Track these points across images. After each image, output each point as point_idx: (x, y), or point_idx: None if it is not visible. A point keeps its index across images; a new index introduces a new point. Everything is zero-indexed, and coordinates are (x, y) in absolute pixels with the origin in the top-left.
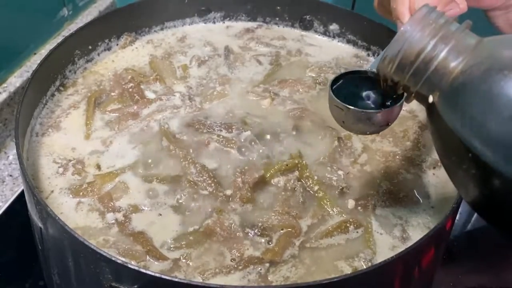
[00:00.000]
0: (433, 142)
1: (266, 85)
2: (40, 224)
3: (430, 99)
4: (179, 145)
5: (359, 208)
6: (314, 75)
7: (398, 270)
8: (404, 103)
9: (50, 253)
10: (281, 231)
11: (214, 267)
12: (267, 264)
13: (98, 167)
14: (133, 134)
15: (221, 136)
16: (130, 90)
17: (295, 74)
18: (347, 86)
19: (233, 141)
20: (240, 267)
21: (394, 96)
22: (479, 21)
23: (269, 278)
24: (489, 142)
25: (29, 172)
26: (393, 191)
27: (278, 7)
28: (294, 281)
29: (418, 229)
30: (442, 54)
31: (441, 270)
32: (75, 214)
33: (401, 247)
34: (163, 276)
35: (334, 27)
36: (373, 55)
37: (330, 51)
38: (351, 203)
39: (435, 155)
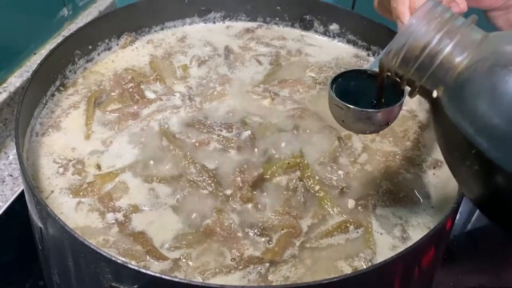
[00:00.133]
0: (436, 138)
1: (266, 85)
2: (40, 224)
3: (435, 94)
4: (179, 145)
5: (359, 208)
6: (314, 75)
7: (398, 270)
8: (405, 102)
9: (50, 253)
10: (281, 231)
11: (214, 267)
12: (267, 264)
13: (98, 167)
14: (133, 134)
15: (221, 136)
16: (130, 90)
17: (295, 74)
18: (347, 85)
19: (233, 141)
20: (240, 267)
21: (395, 95)
22: (479, 22)
23: (269, 278)
24: (493, 138)
25: (29, 172)
26: (393, 191)
27: (278, 7)
28: (294, 281)
29: (418, 229)
30: (447, 49)
31: (441, 270)
32: (75, 214)
33: (401, 247)
34: (163, 276)
35: (334, 27)
36: (373, 55)
37: (330, 51)
38: (351, 203)
39: (435, 155)
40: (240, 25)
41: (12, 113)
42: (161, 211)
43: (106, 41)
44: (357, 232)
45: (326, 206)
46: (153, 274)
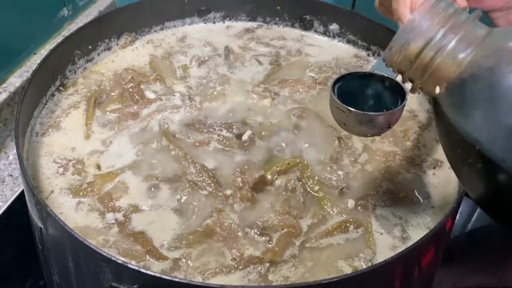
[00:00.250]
0: (438, 135)
1: (266, 85)
2: (40, 224)
3: (437, 90)
4: (179, 145)
5: (359, 208)
6: (314, 75)
7: (398, 270)
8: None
9: (50, 253)
10: (281, 231)
11: (214, 267)
12: (267, 264)
13: (98, 167)
14: (133, 134)
15: (221, 136)
16: (130, 90)
17: (295, 74)
18: (348, 87)
19: (233, 141)
20: (240, 267)
21: (396, 97)
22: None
23: (269, 278)
24: (497, 136)
25: (29, 172)
26: (393, 191)
27: (278, 7)
28: (294, 281)
29: (418, 229)
30: (451, 45)
31: (441, 270)
32: (75, 214)
33: (401, 247)
34: (163, 276)
35: (334, 27)
36: (373, 55)
37: (330, 51)
38: (351, 203)
39: (435, 155)
40: (240, 25)
41: (12, 113)
42: (161, 211)
43: (106, 41)
44: (357, 232)
45: (325, 206)
46: (153, 274)
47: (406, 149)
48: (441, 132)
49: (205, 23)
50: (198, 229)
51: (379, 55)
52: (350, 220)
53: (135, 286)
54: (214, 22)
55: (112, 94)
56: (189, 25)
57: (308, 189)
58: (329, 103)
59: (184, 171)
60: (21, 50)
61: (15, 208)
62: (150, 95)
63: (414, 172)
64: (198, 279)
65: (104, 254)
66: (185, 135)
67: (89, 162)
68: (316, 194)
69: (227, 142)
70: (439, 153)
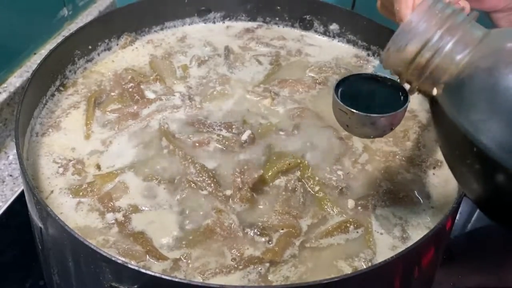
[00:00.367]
0: (436, 136)
1: (266, 85)
2: (40, 224)
3: (435, 91)
4: (179, 145)
5: (359, 208)
6: (314, 75)
7: (398, 270)
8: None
9: (50, 253)
10: (281, 231)
11: (214, 267)
12: (267, 264)
13: (98, 167)
14: (133, 134)
15: (221, 136)
16: (130, 90)
17: (295, 74)
18: (351, 88)
19: (233, 141)
20: (240, 267)
21: (399, 99)
22: (481, 23)
23: (269, 278)
24: (494, 136)
25: (29, 172)
26: (393, 191)
27: (278, 7)
28: (294, 281)
29: (418, 229)
30: (448, 46)
31: (441, 270)
32: (75, 214)
33: (401, 247)
34: (163, 276)
35: (334, 27)
36: (373, 55)
37: (330, 51)
38: (351, 203)
39: (435, 155)
40: (240, 25)
41: (12, 113)
42: (161, 211)
43: (106, 41)
44: (357, 232)
45: (325, 207)
46: (153, 274)
47: (406, 149)
48: (439, 133)
49: (205, 23)
50: (198, 229)
51: (379, 55)
52: (350, 220)
53: (135, 286)
54: (214, 22)
55: (112, 94)
56: (189, 25)
57: (308, 189)
58: (331, 105)
59: (184, 171)
60: (21, 50)
61: (15, 208)
62: (150, 95)
63: (414, 172)
64: (198, 279)
65: (104, 254)
66: (185, 135)
67: (89, 162)
68: (317, 195)
69: (226, 142)
70: (439, 153)
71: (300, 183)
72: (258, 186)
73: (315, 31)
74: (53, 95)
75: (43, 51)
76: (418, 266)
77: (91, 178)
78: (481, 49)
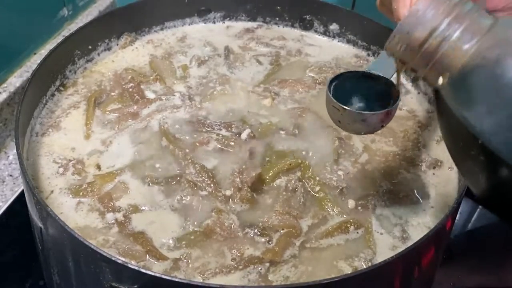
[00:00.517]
0: (440, 128)
1: (266, 85)
2: (40, 224)
3: (440, 81)
4: (178, 144)
5: (359, 208)
6: (314, 75)
7: (398, 270)
8: (405, 102)
9: (50, 253)
10: (282, 231)
11: (214, 267)
12: (267, 264)
13: (98, 167)
14: (133, 134)
15: (220, 135)
16: (130, 90)
17: (295, 74)
18: (344, 85)
19: (233, 140)
20: (240, 267)
21: (390, 95)
22: None
23: (269, 278)
24: (501, 128)
25: (29, 172)
26: (393, 191)
27: (278, 7)
28: (294, 281)
29: (418, 229)
30: (456, 34)
31: (441, 270)
32: (75, 214)
33: (401, 247)
34: (163, 276)
35: (334, 27)
36: (373, 55)
37: (330, 51)
38: (351, 203)
39: (435, 155)
40: (240, 25)
41: (12, 113)
42: (161, 211)
43: (106, 41)
44: (357, 232)
45: (326, 207)
46: (153, 274)
47: (406, 149)
48: (443, 125)
49: (205, 23)
50: (198, 229)
51: (379, 55)
52: (351, 220)
53: (135, 286)
54: (214, 22)
55: (112, 94)
56: (189, 25)
57: (309, 190)
58: (325, 102)
59: (184, 171)
60: (21, 50)
61: (15, 208)
62: (150, 95)
63: (414, 172)
64: (198, 279)
65: (104, 254)
66: (184, 135)
67: (89, 162)
68: (317, 195)
69: (226, 142)
70: (439, 153)
71: (300, 183)
72: (258, 186)
73: (315, 31)
74: (53, 95)
75: (43, 51)
76: (418, 266)
77: (91, 178)
78: (488, 38)
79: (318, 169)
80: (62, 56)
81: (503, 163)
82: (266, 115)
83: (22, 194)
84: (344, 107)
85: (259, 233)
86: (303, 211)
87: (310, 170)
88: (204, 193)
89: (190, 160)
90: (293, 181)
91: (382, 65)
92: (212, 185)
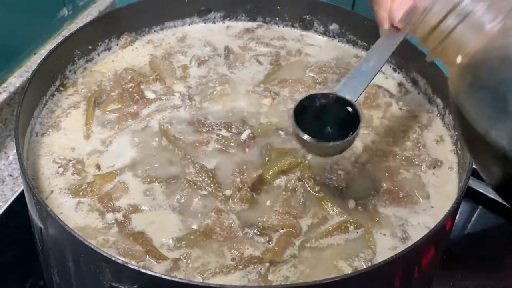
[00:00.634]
0: (453, 111)
1: (266, 85)
2: (40, 224)
3: (459, 59)
4: (178, 144)
5: (359, 208)
6: (314, 75)
7: (398, 270)
8: (405, 102)
9: (50, 253)
10: (281, 231)
11: (214, 267)
12: (267, 264)
13: (98, 167)
14: (133, 134)
15: (220, 136)
16: (130, 90)
17: (295, 74)
18: (311, 107)
19: (233, 140)
20: (240, 267)
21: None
22: None
23: (269, 278)
24: None
25: (29, 172)
26: (393, 191)
27: (278, 7)
28: (294, 281)
29: (418, 229)
30: (480, 11)
31: (441, 270)
32: (75, 214)
33: (401, 247)
34: (163, 276)
35: (334, 27)
36: None
37: (330, 51)
38: (351, 203)
39: (435, 155)
40: (240, 25)
41: (12, 113)
42: (161, 211)
43: (106, 41)
44: (357, 232)
45: (326, 207)
46: (153, 274)
47: (406, 149)
48: (458, 106)
49: (205, 23)
50: (198, 229)
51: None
52: (351, 220)
53: (135, 286)
54: (214, 22)
55: (112, 94)
56: (189, 25)
57: (309, 189)
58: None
59: (183, 171)
60: (21, 50)
61: (15, 208)
62: (150, 95)
63: (414, 172)
64: (198, 279)
65: (104, 254)
66: (184, 135)
67: (89, 162)
68: (317, 194)
69: (226, 142)
70: (439, 153)
71: (300, 183)
72: (258, 186)
73: (315, 31)
74: (53, 95)
75: (43, 51)
76: (418, 266)
77: (91, 178)
78: None
79: (318, 168)
80: (62, 56)
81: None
82: (266, 115)
83: (22, 194)
84: (304, 138)
85: (258, 233)
86: (303, 211)
87: (310, 169)
88: (204, 193)
89: (190, 160)
90: (293, 181)
91: (349, 87)
92: (212, 185)
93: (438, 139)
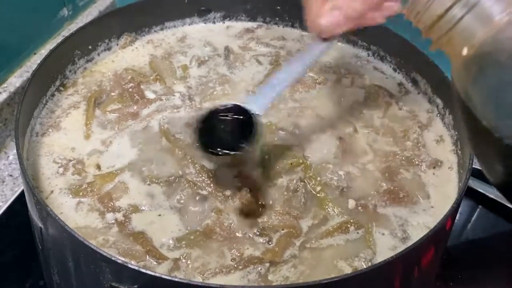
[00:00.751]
0: (456, 105)
1: None
2: (40, 224)
3: (465, 51)
4: (178, 144)
5: (360, 208)
6: (314, 75)
7: (398, 270)
8: (405, 102)
9: (50, 253)
10: (282, 231)
11: (214, 267)
12: (267, 264)
13: (98, 167)
14: (133, 134)
15: None
16: (130, 90)
17: None
18: (213, 120)
19: None
20: (240, 267)
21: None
22: None
23: (269, 278)
24: None
25: (29, 172)
26: (393, 191)
27: (278, 7)
28: (294, 281)
29: (418, 229)
30: (488, 2)
31: (440, 271)
32: (75, 214)
33: (401, 247)
34: (163, 276)
35: None
36: (373, 55)
37: (330, 51)
38: (351, 203)
39: (435, 155)
40: (240, 25)
41: (12, 113)
42: (161, 211)
43: (106, 41)
44: (358, 233)
45: (326, 207)
46: (153, 274)
47: (406, 149)
48: (463, 97)
49: (205, 23)
50: (198, 229)
51: (379, 55)
52: (351, 221)
53: (135, 286)
54: (214, 22)
55: (112, 94)
56: (189, 25)
57: (310, 190)
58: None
59: (183, 171)
60: (21, 50)
61: (15, 208)
62: (150, 95)
63: (414, 172)
64: (198, 279)
65: (104, 254)
66: (184, 135)
67: (89, 162)
68: (318, 195)
69: None
70: (439, 153)
71: (302, 183)
72: (258, 186)
73: None
74: (53, 95)
75: (43, 51)
76: (418, 266)
77: (91, 178)
78: None
79: (319, 169)
80: (62, 56)
81: None
82: (266, 115)
83: (22, 194)
84: (203, 150)
85: (259, 233)
86: (303, 211)
87: (312, 170)
88: (204, 193)
89: (190, 160)
90: (294, 181)
91: (258, 100)
92: (212, 185)
93: (438, 139)
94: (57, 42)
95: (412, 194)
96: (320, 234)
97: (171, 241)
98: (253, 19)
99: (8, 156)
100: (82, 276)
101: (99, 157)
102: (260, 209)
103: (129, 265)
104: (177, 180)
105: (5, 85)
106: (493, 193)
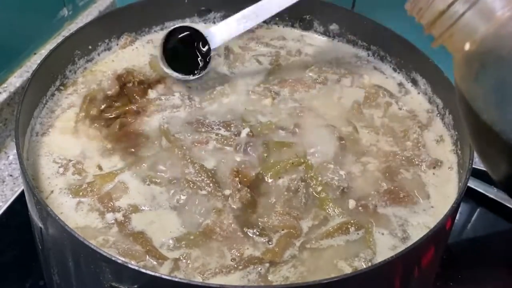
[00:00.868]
0: (459, 101)
1: (266, 84)
2: (40, 224)
3: (467, 46)
4: (178, 144)
5: (360, 208)
6: (314, 75)
7: (398, 270)
8: (405, 102)
9: (50, 253)
10: (282, 231)
11: (214, 267)
12: (267, 264)
13: (98, 167)
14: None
15: (219, 135)
16: (130, 89)
17: (295, 74)
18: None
19: (232, 139)
20: (240, 267)
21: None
22: None
23: (269, 278)
24: None
25: (29, 172)
26: (393, 191)
27: None
28: (294, 281)
29: (418, 229)
30: None
31: (441, 272)
32: (75, 214)
33: (401, 247)
34: (163, 276)
35: (334, 27)
36: (373, 55)
37: (330, 51)
38: (351, 203)
39: (435, 155)
40: None
41: (12, 113)
42: (161, 211)
43: (106, 41)
44: (358, 233)
45: (327, 207)
46: (153, 274)
47: (406, 149)
48: (464, 92)
49: (205, 23)
50: (198, 229)
51: (379, 55)
52: (351, 221)
53: (135, 286)
54: (214, 22)
55: (112, 93)
56: None
57: (311, 190)
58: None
59: (183, 171)
60: (21, 50)
61: (15, 208)
62: (150, 94)
63: (414, 172)
64: (198, 279)
65: (104, 254)
66: (184, 135)
67: (89, 162)
68: (319, 195)
69: (225, 141)
70: (439, 153)
71: (303, 183)
72: (258, 185)
73: (315, 31)
74: (53, 95)
75: (43, 51)
76: (418, 266)
77: (91, 178)
78: None
79: (320, 168)
80: (62, 56)
81: None
82: (266, 115)
83: (22, 194)
84: (164, 68)
85: (259, 233)
86: (304, 211)
87: (312, 170)
88: (204, 192)
89: (189, 160)
90: (295, 181)
91: (222, 30)
92: (211, 184)
93: (438, 139)
94: (57, 42)
95: (412, 194)
96: (321, 235)
97: (171, 241)
98: None
99: (8, 156)
100: (82, 276)
101: (99, 158)
102: (260, 209)
103: (129, 265)
104: (176, 180)
105: (5, 85)
106: (493, 193)
